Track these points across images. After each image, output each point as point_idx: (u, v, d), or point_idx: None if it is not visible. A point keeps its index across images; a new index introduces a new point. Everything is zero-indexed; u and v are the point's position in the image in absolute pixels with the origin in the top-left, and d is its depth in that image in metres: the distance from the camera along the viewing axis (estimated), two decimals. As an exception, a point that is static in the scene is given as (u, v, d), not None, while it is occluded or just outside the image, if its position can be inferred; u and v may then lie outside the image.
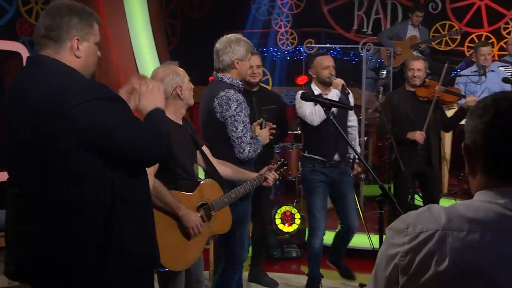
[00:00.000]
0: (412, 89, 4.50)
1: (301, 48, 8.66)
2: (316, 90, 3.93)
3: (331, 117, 2.60)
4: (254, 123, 3.30)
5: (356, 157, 3.96)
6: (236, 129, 3.07)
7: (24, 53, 4.59)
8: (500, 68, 5.91)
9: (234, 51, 3.15)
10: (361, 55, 7.31)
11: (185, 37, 8.59)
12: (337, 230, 4.18)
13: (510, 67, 6.10)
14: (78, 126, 1.70)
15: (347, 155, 4.02)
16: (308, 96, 2.88)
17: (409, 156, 4.28)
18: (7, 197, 1.89)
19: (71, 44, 1.84)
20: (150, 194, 2.04)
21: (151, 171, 2.48)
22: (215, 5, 8.82)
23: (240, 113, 3.07)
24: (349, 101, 3.92)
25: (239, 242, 3.24)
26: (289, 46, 8.72)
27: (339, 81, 3.80)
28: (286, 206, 5.37)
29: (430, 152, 4.40)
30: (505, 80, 5.16)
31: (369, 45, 6.37)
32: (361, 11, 8.72)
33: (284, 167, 3.30)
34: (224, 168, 3.02)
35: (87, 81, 1.84)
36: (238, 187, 2.96)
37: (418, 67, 4.46)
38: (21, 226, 1.84)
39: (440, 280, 1.04)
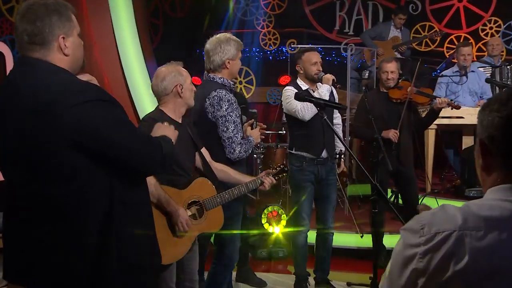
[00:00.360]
0: (385, 91, 4.55)
1: (284, 49, 8.69)
2: (303, 86, 3.90)
3: (325, 117, 2.61)
4: (245, 124, 3.29)
5: (343, 154, 3.98)
6: (227, 129, 3.06)
7: (7, 52, 4.51)
8: (480, 68, 6.03)
9: (225, 51, 3.15)
10: (344, 55, 7.38)
11: (167, 37, 8.55)
12: (315, 239, 4.11)
13: (489, 67, 6.23)
14: (72, 128, 1.68)
15: (334, 151, 4.02)
16: (303, 97, 2.88)
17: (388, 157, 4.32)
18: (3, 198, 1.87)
19: (58, 44, 1.80)
20: (149, 193, 2.03)
21: None
22: (197, 5, 8.79)
23: (231, 113, 3.06)
24: (334, 98, 3.96)
25: (230, 242, 3.23)
26: (271, 46, 8.76)
27: (330, 76, 3.79)
28: (273, 206, 5.36)
29: (403, 152, 4.45)
30: (488, 80, 5.28)
31: (351, 45, 6.42)
32: (343, 12, 8.80)
33: (284, 174, 3.27)
34: (224, 172, 3.00)
35: (81, 83, 1.81)
36: (233, 188, 2.95)
37: (391, 69, 4.48)
38: (16, 226, 1.82)
39: (459, 280, 1.04)
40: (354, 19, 8.76)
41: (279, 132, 6.26)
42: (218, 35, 3.24)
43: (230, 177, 3.03)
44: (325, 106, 2.76)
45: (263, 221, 5.26)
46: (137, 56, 5.22)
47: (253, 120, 3.36)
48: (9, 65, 4.53)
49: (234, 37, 3.25)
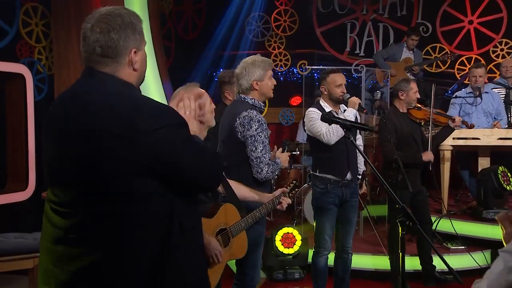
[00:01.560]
0: (404, 111, 4.58)
1: (295, 70, 8.76)
2: (327, 107, 3.89)
3: (351, 138, 2.62)
4: (276, 149, 3.32)
5: (366, 176, 3.98)
6: (256, 149, 3.09)
7: (28, 75, 4.56)
8: (494, 90, 6.04)
9: (250, 73, 3.20)
10: (355, 76, 7.42)
11: (179, 59, 8.64)
12: (334, 261, 4.11)
13: (503, 88, 6.24)
14: (146, 153, 1.60)
15: (357, 173, 4.03)
16: (329, 118, 2.89)
17: (412, 177, 4.34)
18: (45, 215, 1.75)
19: (130, 58, 1.72)
20: (201, 219, 1.95)
21: None
22: (209, 27, 8.89)
23: (260, 134, 3.09)
24: (357, 119, 3.97)
25: (253, 264, 3.21)
26: (282, 67, 8.82)
27: (356, 100, 3.82)
28: (287, 228, 5.31)
29: (423, 172, 4.52)
30: (507, 102, 5.35)
31: (362, 66, 6.46)
32: (354, 34, 8.87)
33: (296, 189, 3.30)
34: (240, 189, 2.98)
35: (156, 104, 1.70)
36: (254, 211, 2.95)
37: (416, 89, 4.57)
38: (66, 246, 1.67)
39: None
40: (365, 40, 8.83)
41: (293, 152, 6.27)
42: (245, 59, 3.30)
43: (248, 195, 3.00)
44: (351, 128, 2.76)
45: (277, 243, 5.21)
46: (154, 77, 5.26)
47: (285, 147, 3.36)
48: (29, 87, 4.57)
49: (261, 57, 3.29)
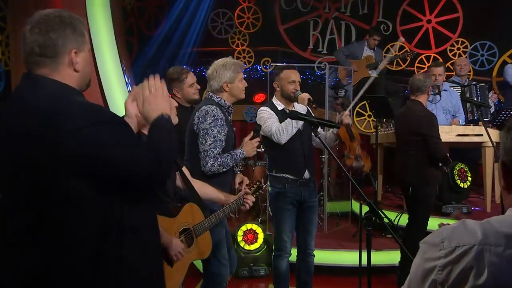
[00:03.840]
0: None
1: (258, 67, 8.77)
2: (279, 105, 3.80)
3: (318, 135, 2.63)
4: (245, 137, 3.30)
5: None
6: (205, 142, 3.13)
7: None
8: (451, 88, 6.23)
9: (221, 75, 3.24)
10: (318, 74, 7.49)
11: (141, 55, 8.50)
12: (296, 262, 3.95)
13: (458, 87, 6.45)
14: (72, 152, 1.59)
15: (314, 172, 3.93)
16: (296, 115, 2.90)
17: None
18: None
19: (69, 58, 1.72)
20: (155, 218, 1.93)
21: None
22: (172, 23, 8.77)
23: (213, 128, 3.11)
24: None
25: (219, 262, 3.22)
26: (246, 64, 8.81)
27: (305, 96, 3.68)
28: (249, 224, 5.29)
29: None
30: (465, 99, 5.53)
31: (325, 64, 6.52)
32: (316, 31, 8.95)
33: (260, 191, 3.28)
34: (204, 189, 2.95)
35: (84, 104, 1.70)
36: (218, 211, 2.93)
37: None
38: (6, 249, 1.71)
39: None
40: (327, 38, 8.92)
41: (258, 150, 6.26)
42: (218, 60, 3.32)
43: (209, 195, 2.98)
44: (318, 124, 2.77)
45: (239, 239, 5.19)
46: (117, 73, 5.14)
47: (252, 132, 3.34)
48: None
49: (232, 60, 3.32)
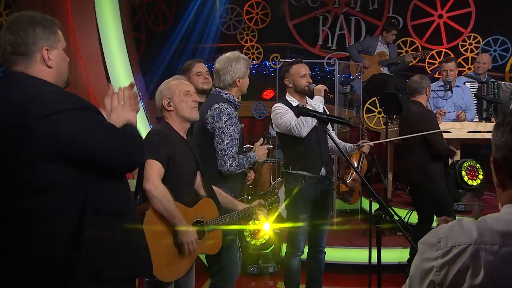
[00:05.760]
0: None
1: (267, 63, 8.72)
2: (293, 102, 3.73)
3: (329, 131, 2.58)
4: (257, 143, 3.27)
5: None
6: (222, 141, 3.06)
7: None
8: (467, 84, 6.11)
9: (235, 69, 3.18)
10: (327, 70, 7.42)
11: (149, 51, 8.49)
12: (307, 259, 3.90)
13: (476, 82, 6.30)
14: (46, 138, 1.67)
15: (331, 169, 3.95)
16: (306, 111, 2.84)
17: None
18: None
19: (41, 55, 1.82)
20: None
21: (157, 175, 2.50)
22: (179, 20, 8.76)
23: (229, 127, 3.06)
24: (326, 111, 3.80)
25: (230, 260, 3.18)
26: (255, 60, 8.77)
27: (321, 87, 3.68)
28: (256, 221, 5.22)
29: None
30: (477, 96, 5.39)
31: (334, 60, 6.46)
32: (326, 27, 8.88)
33: (276, 204, 3.24)
34: (219, 194, 2.95)
35: (56, 91, 1.81)
36: (232, 213, 2.92)
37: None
38: None
39: None
40: (337, 34, 8.85)
41: (270, 146, 6.23)
42: (227, 54, 3.26)
43: (223, 201, 2.96)
44: (327, 121, 2.72)
45: (246, 233, 5.13)
46: (126, 70, 5.13)
47: (262, 138, 3.32)
48: None
49: (243, 55, 3.29)
